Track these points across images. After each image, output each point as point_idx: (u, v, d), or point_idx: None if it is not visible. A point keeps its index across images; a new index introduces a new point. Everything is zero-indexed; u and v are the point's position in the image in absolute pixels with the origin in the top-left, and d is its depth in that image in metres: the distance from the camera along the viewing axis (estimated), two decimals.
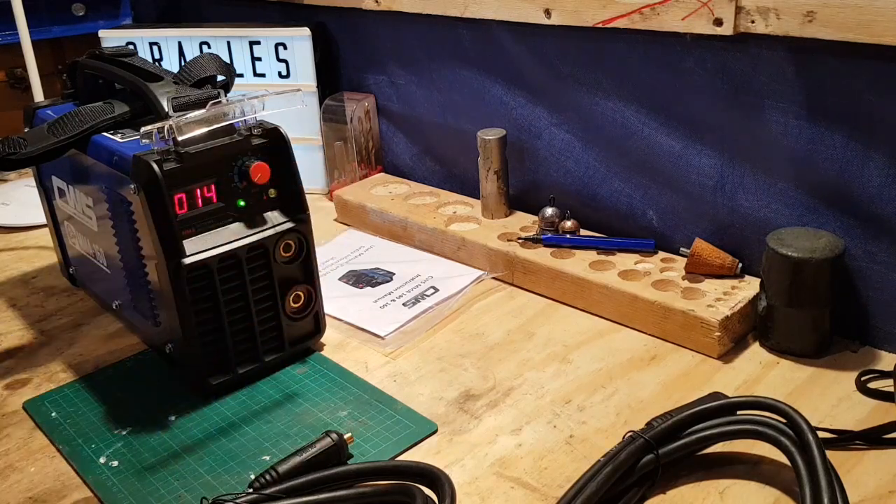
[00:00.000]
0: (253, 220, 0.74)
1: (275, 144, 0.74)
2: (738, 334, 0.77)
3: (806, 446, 0.55)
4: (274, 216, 0.75)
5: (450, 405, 0.71)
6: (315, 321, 0.79)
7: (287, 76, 1.15)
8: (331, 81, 1.18)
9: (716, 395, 0.65)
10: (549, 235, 0.90)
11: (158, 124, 0.68)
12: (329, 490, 0.59)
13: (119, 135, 0.76)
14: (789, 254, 0.71)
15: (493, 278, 0.92)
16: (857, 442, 0.63)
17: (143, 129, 0.68)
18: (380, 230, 1.04)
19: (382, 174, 1.16)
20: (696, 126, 0.82)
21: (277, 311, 0.75)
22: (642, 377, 0.73)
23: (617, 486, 0.57)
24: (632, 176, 0.90)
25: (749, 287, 0.79)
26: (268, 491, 0.58)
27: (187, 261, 0.68)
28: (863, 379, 0.70)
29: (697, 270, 0.81)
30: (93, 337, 0.86)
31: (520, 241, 0.91)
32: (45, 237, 1.05)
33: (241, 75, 1.16)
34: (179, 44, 1.19)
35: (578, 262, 0.86)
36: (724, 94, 0.79)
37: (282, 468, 0.60)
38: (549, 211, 0.92)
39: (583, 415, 0.69)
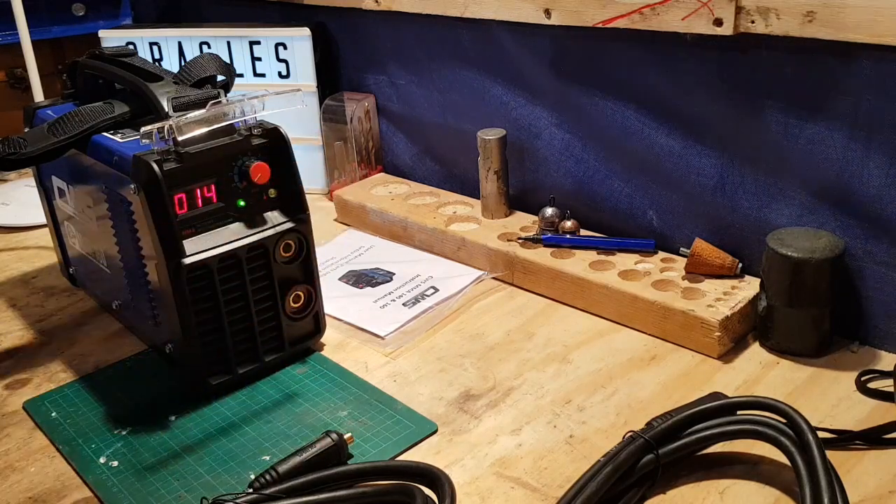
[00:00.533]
0: (253, 220, 0.74)
1: (275, 144, 0.74)
2: (738, 334, 0.77)
3: (806, 446, 0.55)
4: (274, 216, 0.75)
5: (450, 405, 0.71)
6: (315, 321, 0.79)
7: (287, 76, 1.15)
8: (331, 81, 1.18)
9: (716, 395, 0.65)
10: (549, 235, 0.90)
11: (158, 124, 0.68)
12: (329, 490, 0.59)
13: (119, 135, 0.76)
14: (789, 254, 0.71)
15: (493, 278, 0.92)
16: (857, 442, 0.63)
17: (143, 129, 0.68)
18: (380, 230, 1.04)
19: (382, 174, 1.16)
20: (696, 126, 0.82)
21: (277, 311, 0.75)
22: (642, 377, 0.73)
23: (617, 486, 0.57)
24: (632, 176, 0.90)
25: (749, 287, 0.79)
26: (268, 491, 0.58)
27: (187, 261, 0.68)
28: (863, 379, 0.70)
29: (697, 270, 0.81)
30: (93, 337, 0.86)
31: (520, 241, 0.91)
32: (45, 237, 1.05)
33: (241, 75, 1.16)
34: (179, 44, 1.19)
35: (578, 262, 0.86)
36: (724, 94, 0.79)
37: (282, 468, 0.60)
38: (549, 211, 0.92)
39: (583, 415, 0.69)
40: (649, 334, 0.79)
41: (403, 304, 0.87)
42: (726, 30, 0.74)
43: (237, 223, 0.73)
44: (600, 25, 0.84)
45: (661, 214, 0.89)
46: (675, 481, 0.60)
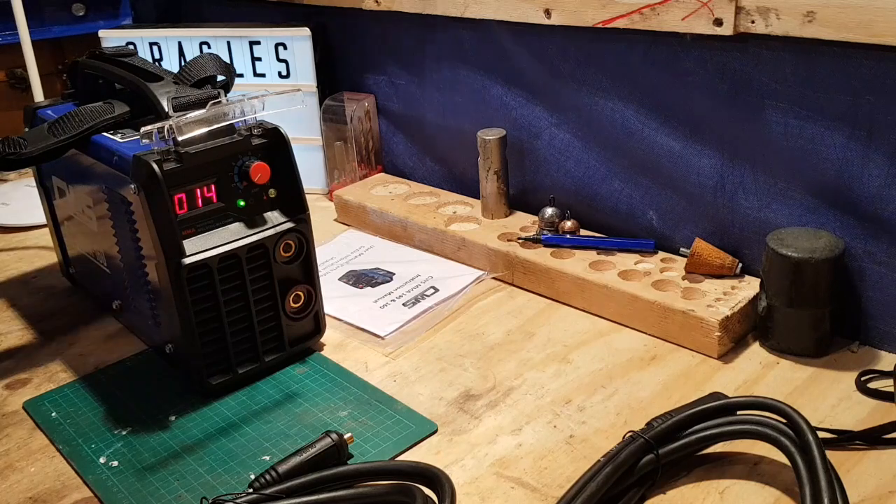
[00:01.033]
0: (253, 220, 0.74)
1: (275, 144, 0.74)
2: (738, 334, 0.77)
3: (806, 446, 0.55)
4: (274, 216, 0.75)
5: (450, 405, 0.71)
6: (315, 321, 0.79)
7: (287, 76, 1.15)
8: (331, 81, 1.18)
9: (716, 395, 0.65)
10: (549, 235, 0.90)
11: (158, 124, 0.68)
12: (329, 490, 0.59)
13: (119, 135, 0.76)
14: (789, 254, 0.71)
15: (493, 278, 0.92)
16: (857, 442, 0.63)
17: (143, 129, 0.68)
18: (380, 230, 1.04)
19: (382, 174, 1.16)
20: (696, 126, 0.82)
21: (277, 311, 0.75)
22: (642, 377, 0.73)
23: (617, 486, 0.57)
24: (632, 176, 0.90)
25: (749, 287, 0.79)
26: (268, 491, 0.58)
27: (187, 261, 0.68)
28: (863, 379, 0.70)
29: (697, 270, 0.81)
30: (93, 337, 0.86)
31: (520, 241, 0.91)
32: (45, 237, 1.05)
33: (241, 75, 1.16)
34: (179, 44, 1.19)
35: (578, 262, 0.86)
36: (724, 94, 0.79)
37: (282, 468, 0.60)
38: (549, 211, 0.92)
39: (583, 415, 0.69)
40: (649, 334, 0.79)
41: (403, 304, 0.87)
42: (726, 30, 0.74)
43: (237, 223, 0.73)
44: (600, 25, 0.84)
45: (661, 214, 0.89)
46: (675, 481, 0.60)
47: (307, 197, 0.76)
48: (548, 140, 0.96)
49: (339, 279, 0.94)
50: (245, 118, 0.72)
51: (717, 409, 0.61)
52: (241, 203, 0.73)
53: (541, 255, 0.88)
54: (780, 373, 0.73)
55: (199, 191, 0.70)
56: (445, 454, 0.65)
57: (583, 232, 0.92)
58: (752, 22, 0.73)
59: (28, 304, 0.93)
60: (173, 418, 0.72)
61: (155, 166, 0.67)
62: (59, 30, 1.39)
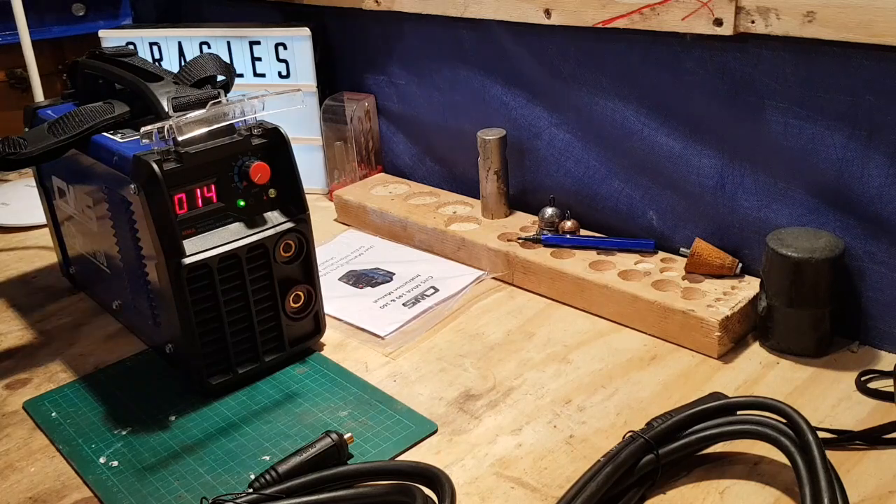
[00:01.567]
0: (253, 220, 0.74)
1: (275, 144, 0.74)
2: (738, 334, 0.77)
3: (806, 446, 0.55)
4: (274, 216, 0.75)
5: (450, 405, 0.71)
6: (315, 321, 0.79)
7: (287, 76, 1.15)
8: (331, 81, 1.18)
9: (716, 395, 0.65)
10: (549, 235, 0.90)
11: (158, 124, 0.68)
12: (329, 490, 0.59)
13: (119, 135, 0.76)
14: (789, 254, 0.71)
15: (493, 278, 0.92)
16: (857, 442, 0.63)
17: (143, 129, 0.68)
18: (380, 230, 1.04)
19: (382, 174, 1.16)
20: (696, 126, 0.82)
21: (277, 311, 0.75)
22: (642, 377, 0.73)
23: (617, 486, 0.57)
24: (632, 176, 0.90)
25: (749, 287, 0.79)
26: (268, 491, 0.58)
27: (187, 261, 0.68)
28: (863, 379, 0.70)
29: (697, 270, 0.81)
30: (93, 337, 0.86)
31: (520, 241, 0.91)
32: (45, 237, 1.05)
33: (241, 75, 1.16)
34: (179, 44, 1.19)
35: (578, 262, 0.86)
36: (724, 94, 0.79)
37: (282, 468, 0.60)
38: (548, 211, 0.92)
39: (583, 415, 0.69)
40: (649, 334, 0.79)
41: (403, 304, 0.87)
42: (726, 30, 0.74)
43: (237, 223, 0.73)
44: (600, 25, 0.84)
45: (661, 214, 0.89)
46: (675, 481, 0.60)
47: (307, 197, 0.76)
48: (548, 140, 0.96)
49: (339, 279, 0.94)
50: (245, 118, 0.72)
51: (717, 409, 0.61)
52: (241, 203, 0.73)
53: (541, 255, 0.88)
54: (780, 373, 0.73)
55: (199, 191, 0.70)
56: (445, 454, 0.65)
57: (583, 232, 0.92)
58: (752, 22, 0.73)
59: (28, 304, 0.93)
60: (173, 418, 0.72)
61: (155, 166, 0.67)
62: (59, 30, 1.39)
